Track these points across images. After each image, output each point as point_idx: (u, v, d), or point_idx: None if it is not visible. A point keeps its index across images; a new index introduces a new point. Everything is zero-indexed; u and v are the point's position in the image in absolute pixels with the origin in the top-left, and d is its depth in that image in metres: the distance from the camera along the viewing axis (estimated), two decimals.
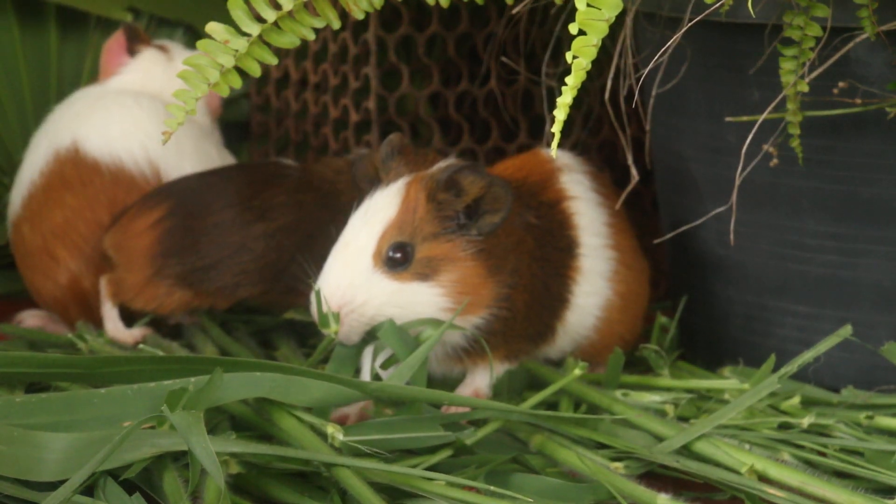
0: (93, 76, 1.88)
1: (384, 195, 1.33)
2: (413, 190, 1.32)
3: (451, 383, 1.41)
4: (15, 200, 1.69)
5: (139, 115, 1.66)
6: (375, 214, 1.32)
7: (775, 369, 1.35)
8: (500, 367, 1.37)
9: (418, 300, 1.31)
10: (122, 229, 1.57)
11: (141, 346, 1.51)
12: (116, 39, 1.75)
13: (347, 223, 1.34)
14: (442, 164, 1.36)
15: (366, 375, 1.37)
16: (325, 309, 1.30)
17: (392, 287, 1.31)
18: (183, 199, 1.57)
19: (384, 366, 1.33)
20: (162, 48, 1.76)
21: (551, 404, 1.40)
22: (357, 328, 1.31)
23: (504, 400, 1.39)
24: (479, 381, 1.38)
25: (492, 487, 1.17)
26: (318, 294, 1.32)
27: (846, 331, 1.30)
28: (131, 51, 1.75)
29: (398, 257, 1.31)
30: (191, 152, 1.67)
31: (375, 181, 1.36)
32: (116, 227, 1.57)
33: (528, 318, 1.37)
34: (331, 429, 1.23)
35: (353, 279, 1.30)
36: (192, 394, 1.19)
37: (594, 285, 1.44)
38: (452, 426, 1.26)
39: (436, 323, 1.31)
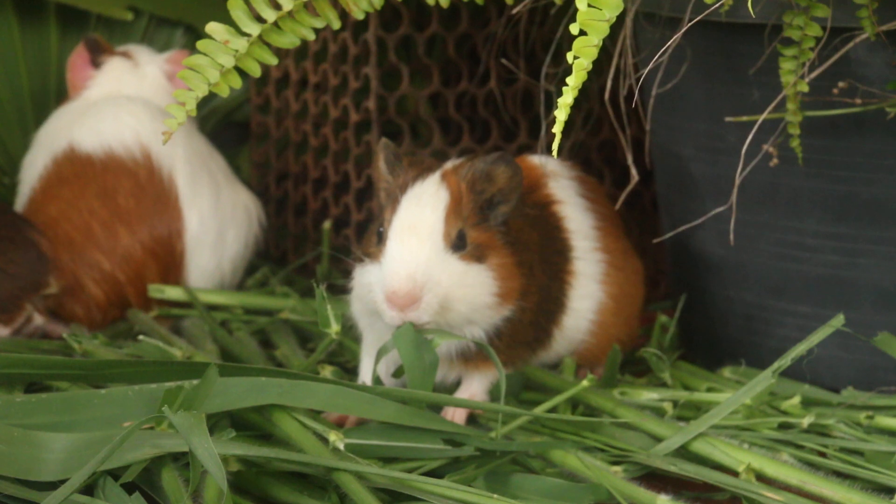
0: None
1: (430, 183, 1.34)
2: (453, 180, 1.33)
3: (444, 389, 1.41)
4: (17, 208, 1.71)
5: (130, 108, 1.68)
6: (430, 200, 1.33)
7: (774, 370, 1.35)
8: (496, 375, 1.37)
9: (479, 281, 1.32)
10: None
11: (141, 336, 1.51)
12: (79, 54, 1.75)
13: (398, 209, 1.34)
14: (458, 156, 1.37)
15: (366, 377, 1.37)
16: (403, 288, 1.29)
17: (461, 267, 1.31)
18: None
19: (395, 374, 1.34)
20: (125, 54, 1.77)
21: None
22: (431, 307, 1.30)
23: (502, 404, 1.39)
24: (476, 386, 1.38)
25: (494, 496, 1.16)
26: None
27: (839, 321, 1.30)
28: (96, 63, 1.75)
29: (458, 241, 1.32)
30: (183, 138, 1.67)
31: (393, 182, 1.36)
32: None
33: (532, 323, 1.37)
34: (333, 436, 1.23)
35: (431, 258, 1.30)
36: (190, 394, 1.19)
37: (587, 288, 1.44)
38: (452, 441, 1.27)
39: (442, 331, 1.31)
